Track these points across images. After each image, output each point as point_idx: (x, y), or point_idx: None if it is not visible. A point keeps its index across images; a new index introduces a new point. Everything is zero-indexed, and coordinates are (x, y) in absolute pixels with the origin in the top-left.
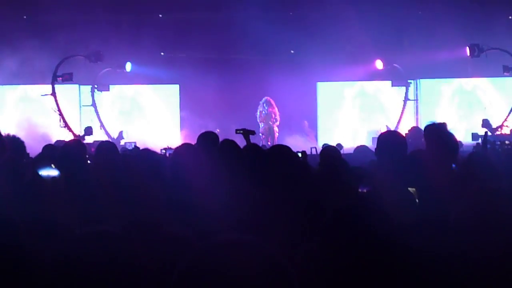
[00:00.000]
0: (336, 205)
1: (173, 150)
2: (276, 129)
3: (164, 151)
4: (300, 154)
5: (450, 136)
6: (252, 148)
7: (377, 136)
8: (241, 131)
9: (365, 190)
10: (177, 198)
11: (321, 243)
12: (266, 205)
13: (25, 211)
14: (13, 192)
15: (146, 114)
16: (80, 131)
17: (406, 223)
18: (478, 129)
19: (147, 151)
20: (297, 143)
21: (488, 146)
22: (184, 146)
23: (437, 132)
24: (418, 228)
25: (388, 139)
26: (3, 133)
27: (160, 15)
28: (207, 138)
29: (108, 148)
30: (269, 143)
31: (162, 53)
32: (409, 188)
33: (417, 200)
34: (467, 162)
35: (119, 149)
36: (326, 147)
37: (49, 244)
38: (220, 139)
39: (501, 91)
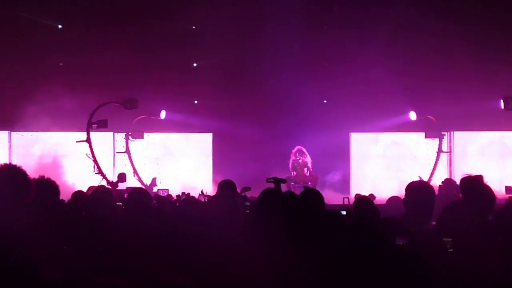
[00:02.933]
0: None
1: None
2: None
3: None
4: (344, 212)
5: (487, 188)
6: (289, 196)
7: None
8: (272, 180)
9: (401, 243)
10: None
11: None
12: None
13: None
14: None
15: (179, 161)
16: (113, 178)
17: (443, 275)
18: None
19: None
20: (325, 194)
21: None
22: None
23: (474, 184)
24: (454, 279)
25: (418, 189)
26: (38, 176)
27: (195, 64)
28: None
29: (140, 195)
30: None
31: (195, 102)
32: (445, 239)
33: (451, 250)
34: (501, 214)
35: (152, 196)
36: (359, 198)
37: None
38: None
39: None
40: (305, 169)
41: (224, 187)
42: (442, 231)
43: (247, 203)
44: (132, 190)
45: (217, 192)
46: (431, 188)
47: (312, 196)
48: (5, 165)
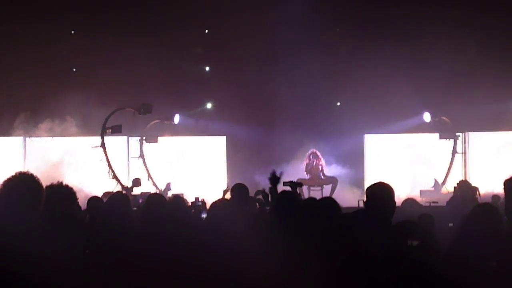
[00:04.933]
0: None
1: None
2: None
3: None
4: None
5: None
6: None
7: (425, 189)
8: (289, 183)
9: (414, 244)
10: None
11: None
12: (312, 258)
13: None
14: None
15: (193, 165)
16: (128, 183)
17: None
18: None
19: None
20: (340, 195)
21: None
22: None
23: None
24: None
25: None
26: (55, 182)
27: (207, 68)
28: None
29: (157, 201)
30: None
31: (209, 105)
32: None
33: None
34: None
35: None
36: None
37: None
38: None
39: None
40: (320, 172)
41: (238, 191)
42: (470, 234)
43: (267, 207)
44: (150, 196)
45: (232, 197)
46: (386, 186)
47: (330, 204)
48: (19, 173)
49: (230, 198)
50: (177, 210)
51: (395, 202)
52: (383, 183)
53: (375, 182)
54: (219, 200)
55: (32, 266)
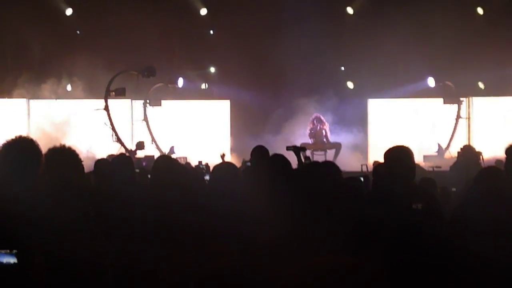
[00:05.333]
0: (394, 223)
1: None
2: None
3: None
4: (362, 179)
5: None
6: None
7: (428, 154)
8: (292, 148)
9: (419, 207)
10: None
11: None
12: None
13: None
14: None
15: (197, 129)
16: (132, 146)
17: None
18: None
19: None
20: (344, 160)
21: None
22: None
23: None
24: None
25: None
26: (58, 145)
27: (212, 31)
28: (259, 152)
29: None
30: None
31: (212, 69)
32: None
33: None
34: None
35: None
36: (378, 165)
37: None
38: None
39: None
40: (323, 136)
41: (259, 154)
42: (476, 198)
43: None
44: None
45: (252, 159)
46: (407, 149)
47: (331, 167)
48: (18, 137)
49: (251, 159)
50: (183, 174)
51: (415, 164)
52: (403, 146)
53: (394, 145)
54: (223, 162)
55: (29, 227)
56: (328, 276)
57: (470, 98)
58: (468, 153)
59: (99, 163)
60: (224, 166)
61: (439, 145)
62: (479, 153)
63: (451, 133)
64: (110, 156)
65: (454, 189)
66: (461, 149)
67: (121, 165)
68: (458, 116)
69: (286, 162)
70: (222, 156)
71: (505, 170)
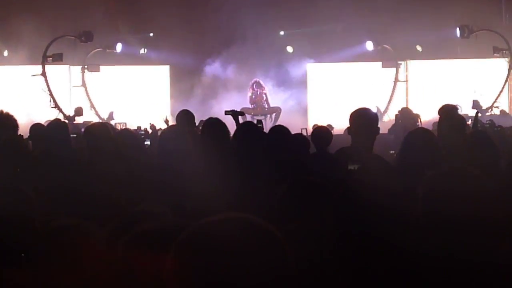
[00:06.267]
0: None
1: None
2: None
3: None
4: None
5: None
6: (246, 126)
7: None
8: (230, 113)
9: (354, 168)
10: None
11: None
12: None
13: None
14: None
15: (136, 95)
16: (70, 112)
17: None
18: (468, 110)
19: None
20: (284, 124)
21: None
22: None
23: (449, 112)
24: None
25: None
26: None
27: None
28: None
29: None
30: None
31: (151, 34)
32: None
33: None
34: (471, 139)
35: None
36: (317, 128)
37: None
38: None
39: (490, 72)
40: (264, 101)
41: (184, 118)
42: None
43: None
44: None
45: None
46: (372, 113)
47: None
48: None
49: (177, 123)
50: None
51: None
52: (366, 108)
53: (358, 108)
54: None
55: None
56: (220, 232)
57: (408, 61)
58: (406, 116)
59: (34, 127)
60: (173, 128)
61: (377, 108)
62: (417, 116)
63: (389, 96)
64: (47, 122)
65: (392, 152)
66: (399, 111)
67: (56, 129)
68: (396, 79)
69: (222, 125)
70: (166, 122)
71: (438, 130)
